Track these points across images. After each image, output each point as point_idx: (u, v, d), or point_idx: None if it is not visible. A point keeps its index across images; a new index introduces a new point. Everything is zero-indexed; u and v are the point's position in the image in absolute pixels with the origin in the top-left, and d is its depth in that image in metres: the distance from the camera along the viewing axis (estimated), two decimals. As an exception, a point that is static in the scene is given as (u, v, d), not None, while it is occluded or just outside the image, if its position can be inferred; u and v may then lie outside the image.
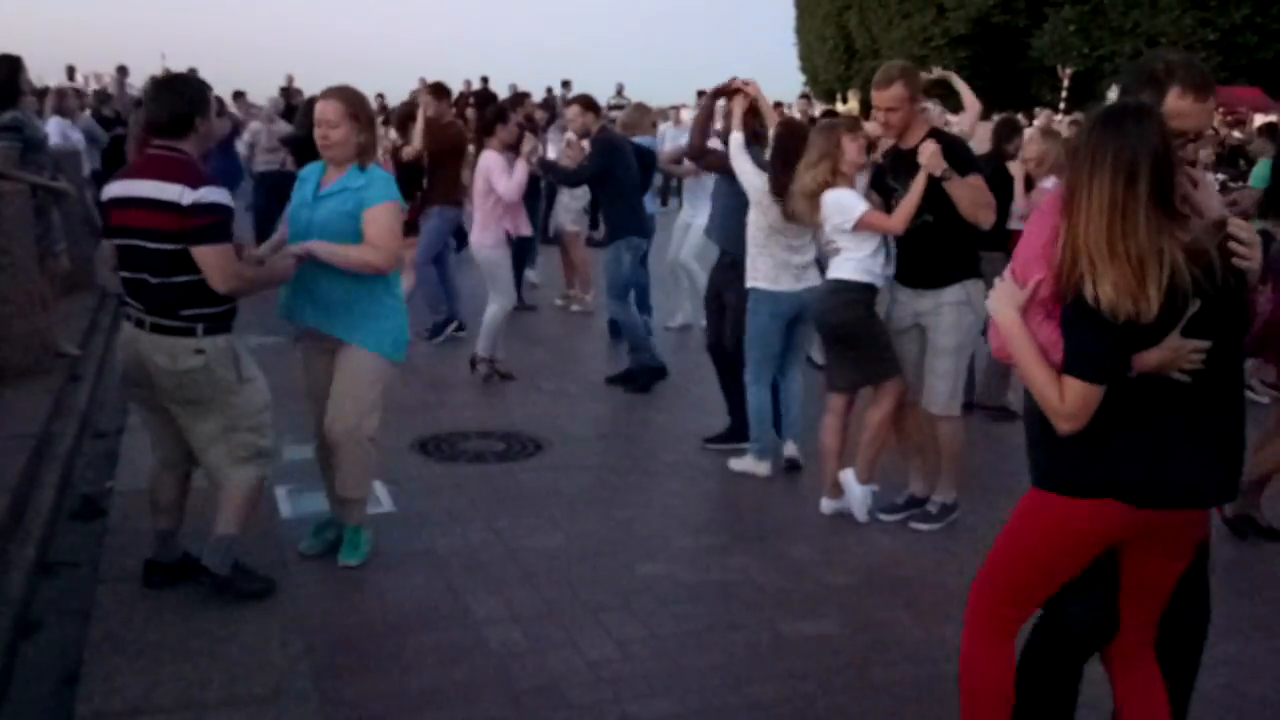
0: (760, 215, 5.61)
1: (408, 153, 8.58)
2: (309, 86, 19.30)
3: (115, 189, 3.89)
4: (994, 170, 6.36)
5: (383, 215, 4.27)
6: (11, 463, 5.09)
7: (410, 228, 8.33)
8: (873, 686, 3.79)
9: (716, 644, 4.04)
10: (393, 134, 9.26)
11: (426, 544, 4.81)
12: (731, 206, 6.01)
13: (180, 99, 3.91)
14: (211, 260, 3.78)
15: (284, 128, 12.13)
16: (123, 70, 18.95)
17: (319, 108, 4.32)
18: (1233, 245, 2.50)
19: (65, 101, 10.68)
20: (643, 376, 7.50)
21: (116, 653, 3.71)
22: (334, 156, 4.32)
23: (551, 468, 5.94)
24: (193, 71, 14.80)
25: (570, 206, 10.24)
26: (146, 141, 3.99)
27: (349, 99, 4.33)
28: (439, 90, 9.43)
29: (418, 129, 8.60)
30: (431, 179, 8.69)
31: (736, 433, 6.21)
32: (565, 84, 23.21)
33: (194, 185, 3.76)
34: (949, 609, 4.17)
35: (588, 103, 8.02)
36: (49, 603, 4.30)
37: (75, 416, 6.32)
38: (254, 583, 4.16)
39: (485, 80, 22.68)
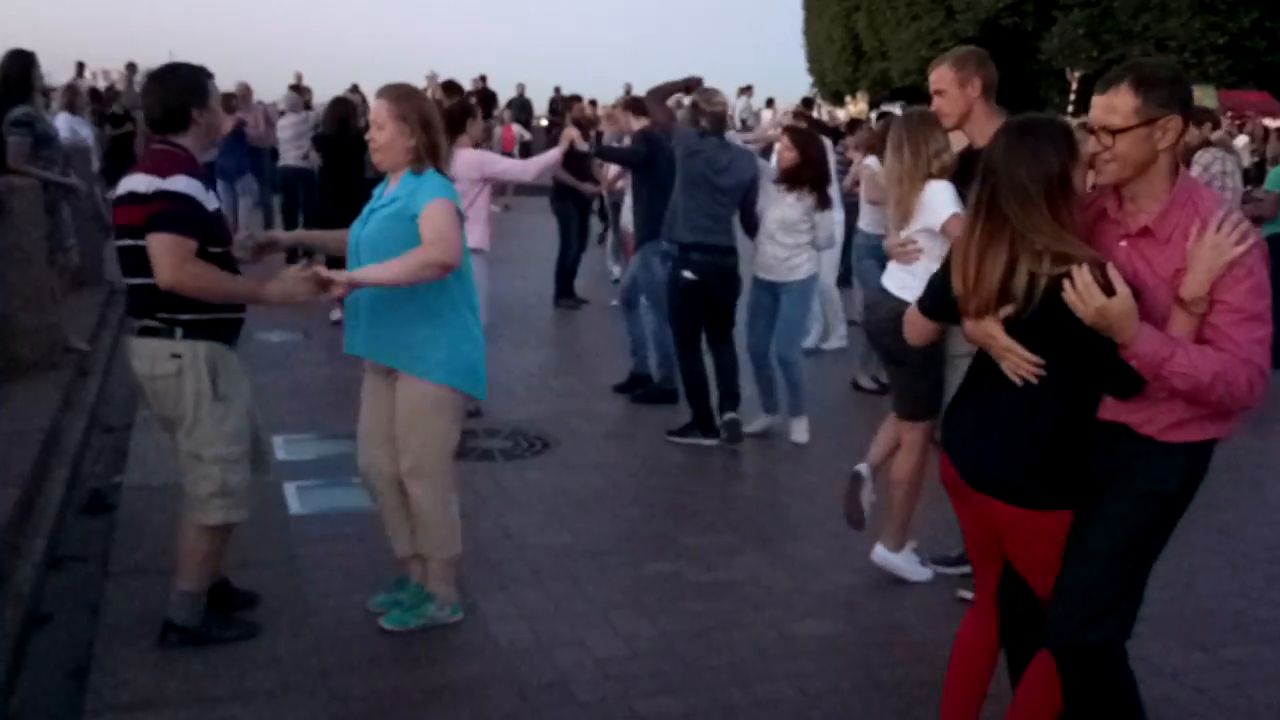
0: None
1: None
2: (317, 85, 19.34)
3: (119, 187, 3.66)
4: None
5: (434, 212, 3.69)
6: (21, 457, 5.11)
7: None
8: (880, 686, 3.79)
9: (724, 643, 4.04)
10: None
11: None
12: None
13: (173, 91, 3.64)
14: (156, 248, 3.41)
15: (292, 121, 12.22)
16: (132, 67, 19.00)
17: (372, 108, 3.93)
18: (1067, 285, 2.58)
19: (75, 98, 10.67)
20: (638, 386, 7.48)
21: (125, 646, 3.72)
22: (380, 161, 3.85)
23: (559, 466, 5.94)
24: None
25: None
26: (150, 137, 3.74)
27: (398, 97, 3.81)
28: (451, 88, 9.46)
29: None
30: None
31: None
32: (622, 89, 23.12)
33: (163, 175, 3.48)
34: (956, 609, 4.17)
35: (631, 103, 8.20)
36: (58, 596, 4.32)
37: (84, 411, 6.34)
38: (230, 630, 3.83)
39: (484, 79, 22.68)
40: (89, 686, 3.48)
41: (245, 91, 13.44)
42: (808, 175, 6.21)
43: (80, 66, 20.51)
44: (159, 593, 4.07)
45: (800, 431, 6.49)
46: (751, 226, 6.41)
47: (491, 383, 6.82)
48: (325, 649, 3.84)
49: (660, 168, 7.28)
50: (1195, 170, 7.82)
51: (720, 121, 6.33)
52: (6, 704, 3.55)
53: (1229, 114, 25.53)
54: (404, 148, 3.79)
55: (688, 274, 6.20)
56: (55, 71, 16.21)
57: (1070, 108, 29.15)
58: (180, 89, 3.66)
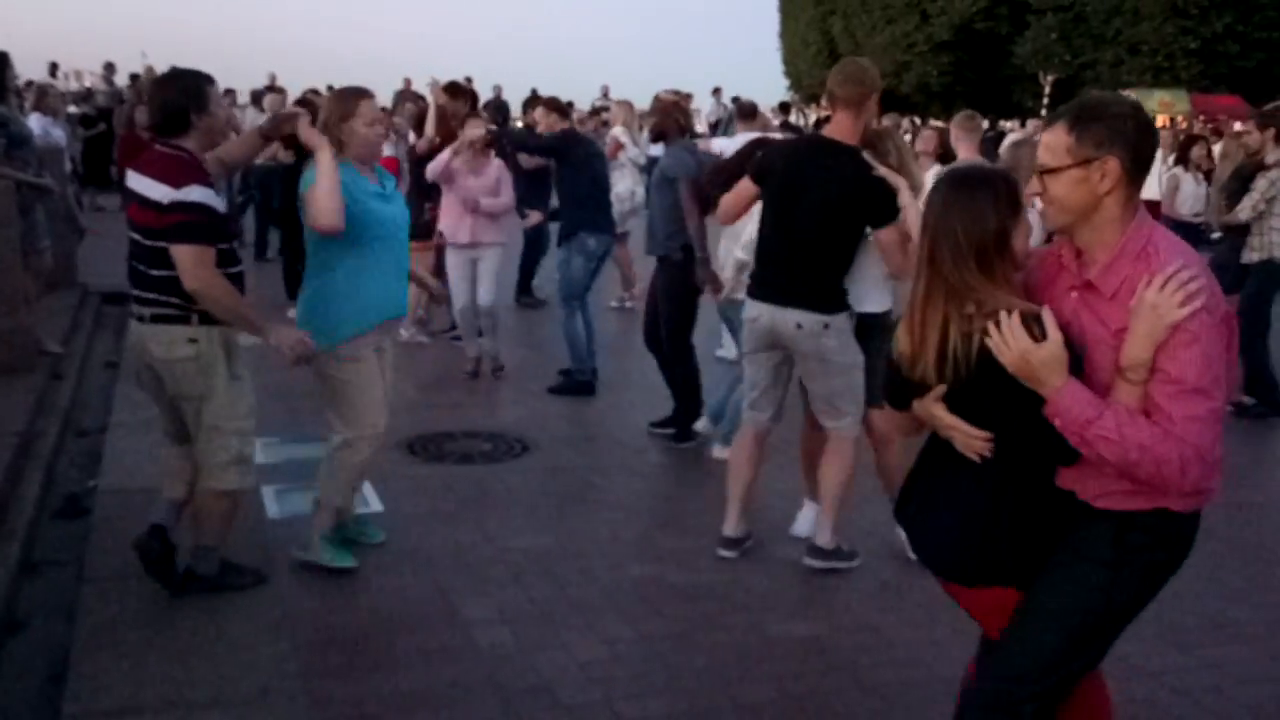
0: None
1: (421, 147, 8.33)
2: (291, 83, 19.25)
3: (128, 181, 3.90)
4: None
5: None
6: (-5, 460, 5.05)
7: (426, 230, 8.19)
8: (862, 687, 3.79)
9: (706, 645, 4.04)
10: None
11: (414, 544, 4.79)
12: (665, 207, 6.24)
13: (174, 96, 3.87)
14: (182, 258, 3.76)
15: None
16: (109, 67, 18.86)
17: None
18: (990, 328, 2.42)
19: (47, 99, 10.58)
20: (568, 384, 7.48)
21: (103, 652, 3.68)
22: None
23: (539, 469, 5.92)
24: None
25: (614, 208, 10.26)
26: (128, 137, 4.06)
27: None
28: (454, 89, 9.42)
29: (429, 118, 8.42)
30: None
31: (682, 418, 6.46)
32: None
33: (176, 185, 3.75)
34: (937, 610, 4.18)
35: (553, 105, 8.18)
36: (34, 602, 4.27)
37: (58, 415, 6.28)
38: (245, 577, 4.20)
39: (469, 80, 22.63)
40: (67, 693, 3.44)
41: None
42: None
43: (53, 67, 20.34)
44: (135, 597, 4.07)
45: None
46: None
47: (470, 385, 6.84)
48: (305, 654, 3.81)
49: (577, 165, 7.30)
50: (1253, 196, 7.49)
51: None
52: (-19, 711, 3.51)
53: (1200, 117, 25.81)
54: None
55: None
56: (27, 72, 16.09)
57: (1043, 111, 29.36)
58: (181, 93, 3.88)
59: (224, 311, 3.87)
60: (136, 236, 3.86)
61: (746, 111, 9.45)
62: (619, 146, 10.46)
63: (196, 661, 3.64)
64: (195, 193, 3.77)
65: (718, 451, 6.14)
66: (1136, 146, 2.39)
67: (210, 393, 3.93)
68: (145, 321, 3.91)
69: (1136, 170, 2.41)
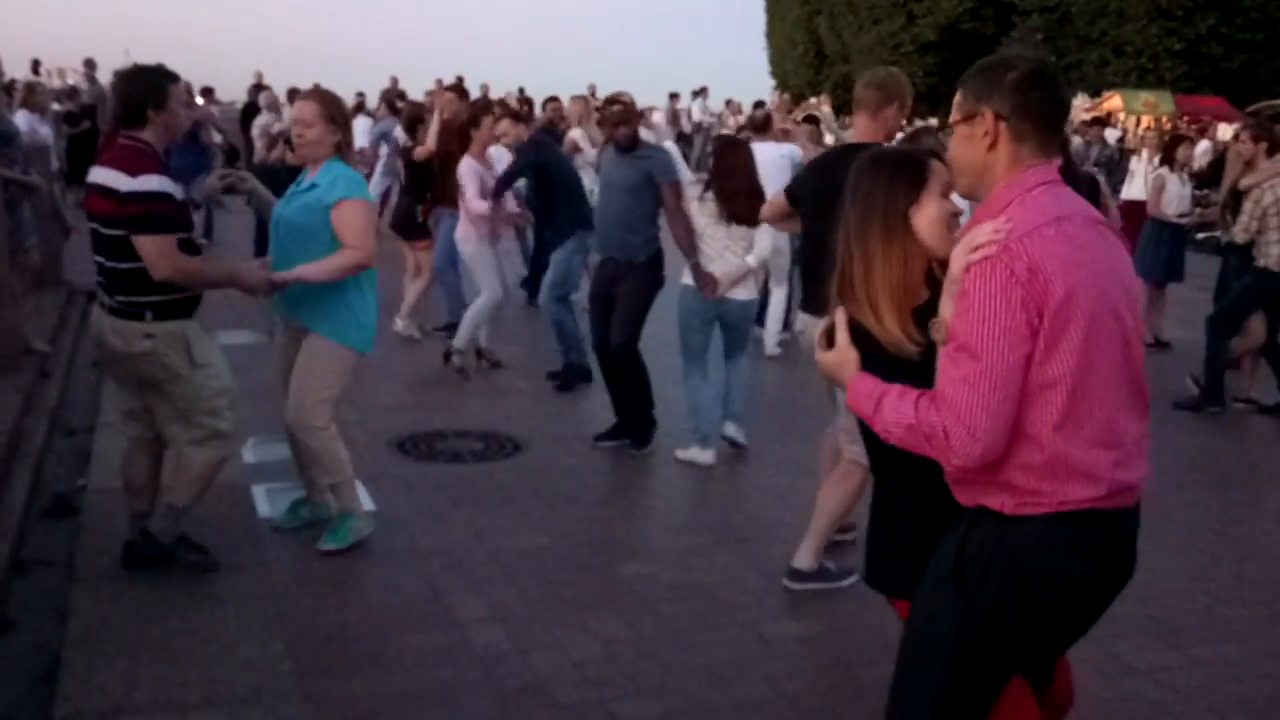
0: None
1: (419, 153, 8.56)
2: (278, 82, 19.17)
3: (89, 174, 4.03)
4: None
5: (349, 213, 4.37)
6: (-17, 460, 5.01)
7: (423, 229, 8.37)
8: (858, 686, 3.79)
9: (701, 644, 4.03)
10: (399, 133, 9.29)
11: (407, 543, 4.77)
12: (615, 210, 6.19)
13: (135, 90, 3.99)
14: (147, 249, 3.86)
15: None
16: (90, 64, 18.74)
17: (296, 107, 4.57)
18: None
19: (35, 96, 10.51)
20: (570, 376, 7.53)
21: (95, 652, 3.66)
22: (306, 155, 4.52)
23: (531, 468, 5.91)
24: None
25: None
26: (113, 135, 4.13)
27: (325, 100, 4.51)
28: (462, 92, 9.45)
29: (431, 130, 8.53)
30: (443, 180, 8.48)
31: (623, 429, 6.34)
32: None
33: (133, 173, 3.85)
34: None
35: (513, 115, 8.26)
36: (23, 602, 4.23)
37: (45, 414, 6.23)
38: (195, 554, 4.27)
39: (460, 80, 22.58)
40: (59, 693, 3.42)
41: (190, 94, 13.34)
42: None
43: (36, 64, 20.21)
44: (127, 597, 4.05)
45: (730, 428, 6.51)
46: None
47: (461, 384, 6.83)
48: (298, 653, 3.79)
49: (555, 169, 7.33)
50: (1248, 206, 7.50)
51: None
52: (-28, 712, 3.48)
53: (1185, 118, 25.93)
54: (330, 143, 4.46)
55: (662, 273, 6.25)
56: (10, 71, 15.97)
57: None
58: (142, 89, 4.01)
59: (200, 287, 4.09)
60: (95, 226, 3.96)
61: (760, 124, 9.32)
62: (576, 149, 10.31)
63: (189, 661, 3.62)
64: (152, 181, 3.86)
65: (681, 453, 6.11)
66: (1016, 98, 2.29)
67: (172, 382, 4.03)
68: (106, 311, 4.04)
69: (1022, 124, 2.29)
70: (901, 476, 2.52)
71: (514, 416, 6.81)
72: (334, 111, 4.50)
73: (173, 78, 4.09)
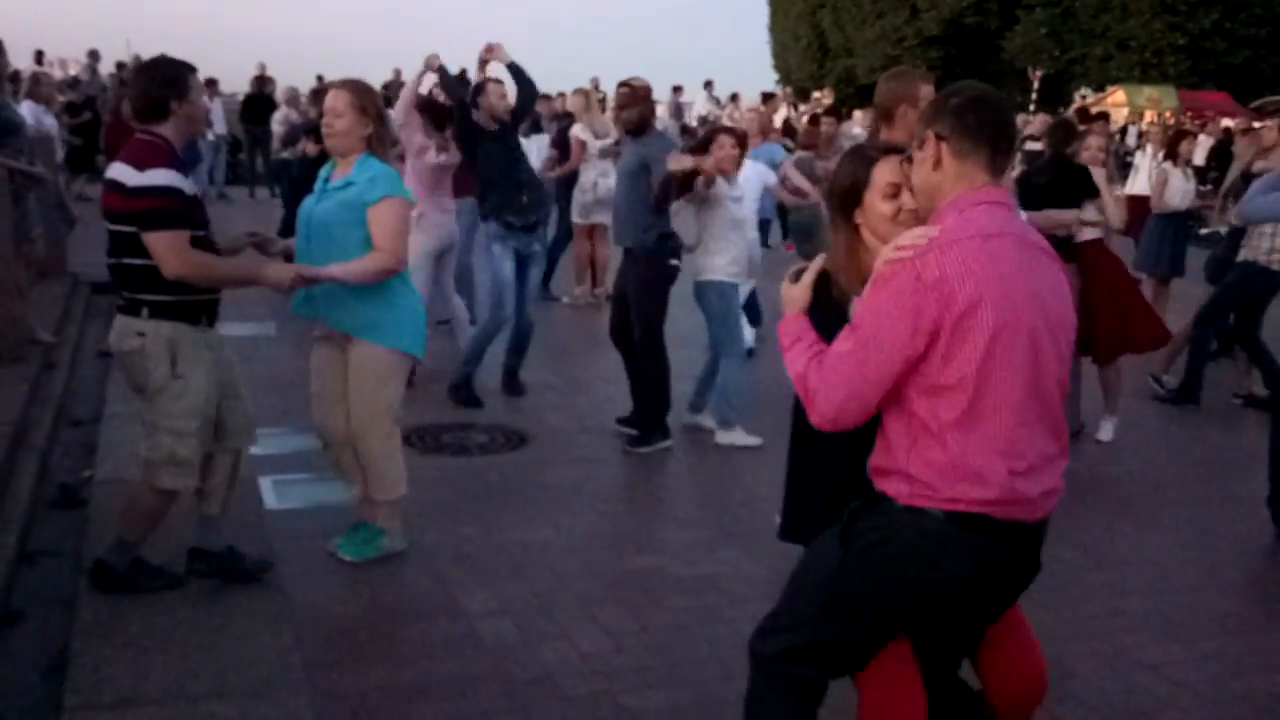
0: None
1: None
2: (280, 75, 19.15)
3: (107, 171, 3.90)
4: (1056, 174, 6.40)
5: (385, 213, 4.17)
6: (-10, 450, 5.01)
7: None
8: (865, 680, 3.79)
9: (708, 637, 4.04)
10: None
11: (414, 535, 4.77)
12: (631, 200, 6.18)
13: (155, 83, 3.84)
14: (157, 246, 3.70)
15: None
16: (94, 55, 18.71)
17: (328, 97, 4.30)
18: None
19: (39, 87, 10.50)
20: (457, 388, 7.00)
21: (104, 643, 3.66)
22: (335, 146, 4.27)
23: (537, 461, 5.91)
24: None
25: (577, 200, 10.17)
26: (115, 125, 4.06)
27: (357, 90, 4.26)
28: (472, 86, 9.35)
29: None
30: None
31: (643, 418, 6.31)
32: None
33: (141, 168, 3.70)
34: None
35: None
36: (31, 593, 4.24)
37: (51, 404, 6.24)
38: (157, 579, 4.07)
39: (464, 72, 22.55)
40: (68, 684, 3.42)
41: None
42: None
43: (39, 55, 20.17)
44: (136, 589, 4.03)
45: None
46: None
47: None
48: (307, 645, 3.80)
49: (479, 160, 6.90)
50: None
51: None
52: (-18, 702, 3.49)
53: (1189, 113, 25.91)
54: (360, 136, 4.24)
55: (675, 262, 6.18)
56: (13, 62, 15.95)
57: (1032, 106, 29.43)
58: (162, 81, 3.84)
59: (216, 284, 3.91)
60: (109, 226, 3.83)
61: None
62: (582, 146, 10.11)
63: (198, 653, 3.63)
64: (159, 175, 3.70)
65: (721, 437, 6.27)
66: (954, 120, 2.45)
67: (151, 388, 3.84)
68: (116, 310, 3.96)
69: (961, 143, 2.45)
70: (822, 439, 2.68)
71: (519, 410, 6.81)
72: (366, 102, 4.25)
73: (191, 68, 3.94)
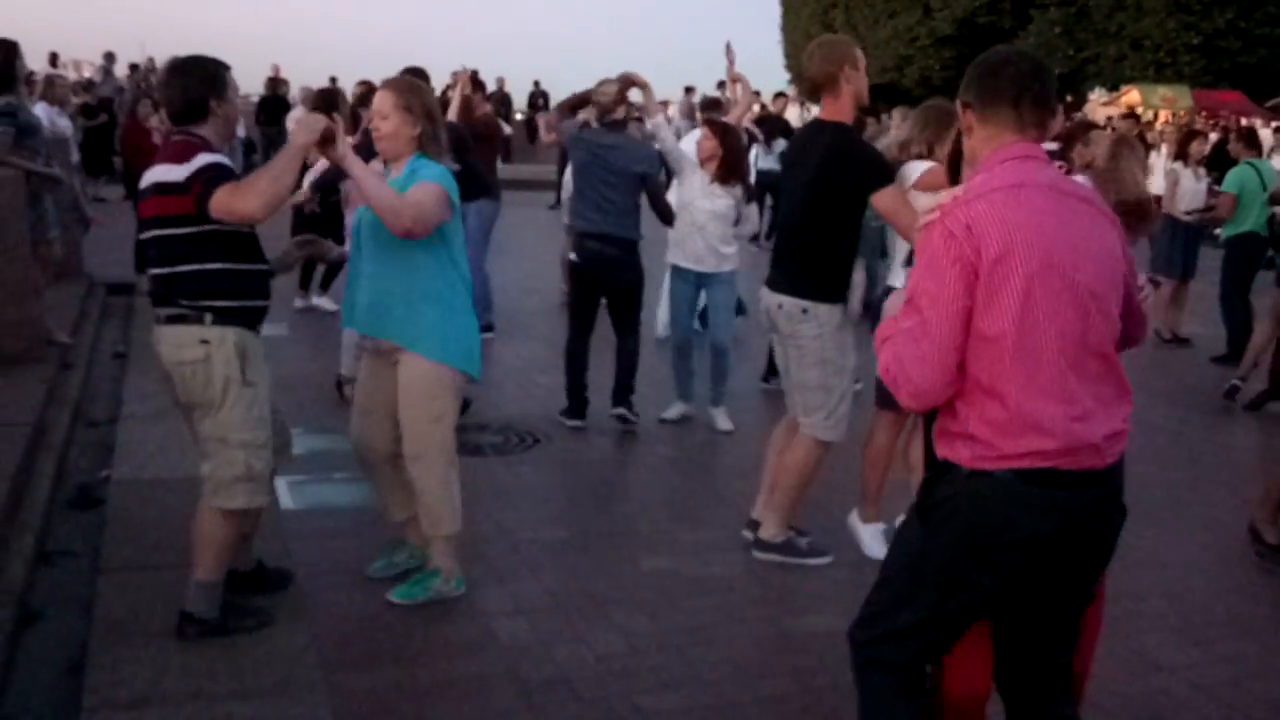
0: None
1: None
2: (294, 76, 19.22)
3: (143, 180, 3.69)
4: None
5: (422, 187, 3.87)
6: (7, 451, 5.03)
7: None
8: (881, 682, 3.78)
9: (724, 638, 4.04)
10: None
11: (429, 536, 4.78)
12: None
13: (192, 82, 3.66)
14: (222, 202, 3.44)
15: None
16: (109, 57, 18.79)
17: (375, 98, 4.07)
18: None
19: (54, 89, 10.55)
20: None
21: (122, 643, 3.67)
22: (383, 149, 4.04)
23: (551, 461, 5.92)
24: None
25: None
26: (131, 127, 3.92)
27: (402, 89, 4.01)
28: (477, 82, 9.40)
29: (452, 109, 8.37)
30: (465, 170, 8.33)
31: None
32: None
33: (186, 160, 3.51)
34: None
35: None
36: (49, 593, 4.26)
37: (68, 405, 6.27)
38: (249, 618, 3.84)
39: (475, 73, 22.58)
40: (86, 684, 3.43)
41: None
42: (731, 166, 6.42)
43: (53, 57, 20.27)
44: (153, 588, 4.05)
45: (724, 420, 6.62)
46: (666, 216, 6.44)
47: (481, 377, 6.71)
48: (323, 645, 3.81)
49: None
50: None
51: (604, 111, 6.31)
52: (1, 702, 3.50)
53: (1203, 113, 25.78)
54: (408, 136, 3.98)
55: (573, 256, 6.43)
56: (28, 64, 16.03)
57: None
58: (201, 80, 3.68)
59: (286, 188, 3.56)
60: (160, 232, 3.59)
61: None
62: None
63: (216, 653, 3.63)
64: (203, 158, 3.51)
65: (721, 423, 6.52)
66: (976, 85, 2.54)
67: (218, 401, 3.61)
68: (161, 323, 3.67)
69: (984, 105, 2.52)
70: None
71: (533, 410, 6.82)
72: (411, 101, 3.97)
73: (227, 65, 3.75)
